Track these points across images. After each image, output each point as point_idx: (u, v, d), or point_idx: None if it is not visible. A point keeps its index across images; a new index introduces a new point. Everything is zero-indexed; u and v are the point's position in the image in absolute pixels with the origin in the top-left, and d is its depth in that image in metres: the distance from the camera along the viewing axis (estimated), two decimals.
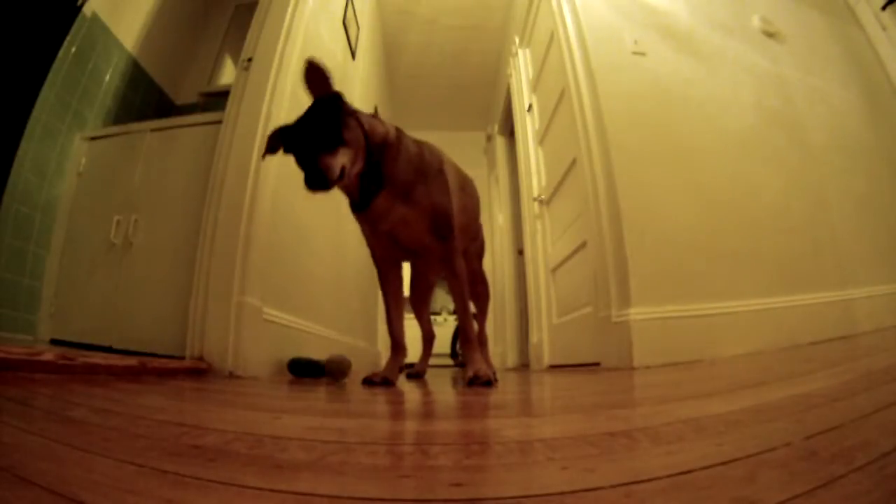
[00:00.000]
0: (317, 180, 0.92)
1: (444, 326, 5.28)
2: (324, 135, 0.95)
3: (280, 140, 1.04)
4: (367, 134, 1.04)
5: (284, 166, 1.65)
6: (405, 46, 3.81)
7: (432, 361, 1.89)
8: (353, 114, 1.04)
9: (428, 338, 1.83)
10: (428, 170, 1.15)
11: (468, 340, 1.16)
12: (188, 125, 1.84)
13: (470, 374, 1.06)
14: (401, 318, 1.32)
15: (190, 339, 1.35)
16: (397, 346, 1.27)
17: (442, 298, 6.03)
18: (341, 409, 0.64)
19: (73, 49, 1.89)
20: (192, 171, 1.69)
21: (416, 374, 1.65)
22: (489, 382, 1.03)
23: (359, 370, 2.22)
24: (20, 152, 1.66)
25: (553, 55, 2.30)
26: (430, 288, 1.75)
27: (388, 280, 1.29)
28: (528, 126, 2.87)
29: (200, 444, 0.33)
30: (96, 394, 0.68)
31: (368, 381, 1.09)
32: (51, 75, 1.75)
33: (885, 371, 0.65)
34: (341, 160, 0.95)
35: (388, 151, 1.08)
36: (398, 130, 1.14)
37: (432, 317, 5.71)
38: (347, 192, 1.08)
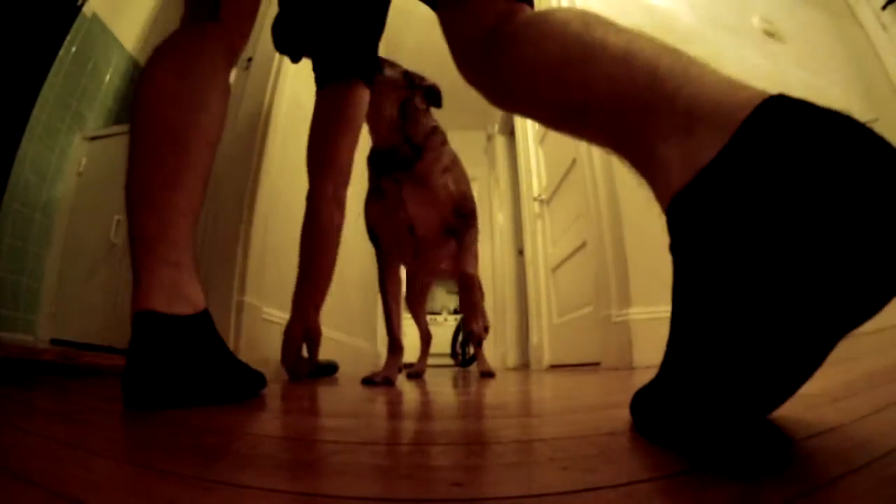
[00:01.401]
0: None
1: (444, 326, 5.27)
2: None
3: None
4: (410, 97, 1.19)
5: (285, 166, 1.65)
6: (404, 46, 3.80)
7: (433, 361, 1.90)
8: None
9: (425, 338, 1.86)
10: (455, 159, 1.28)
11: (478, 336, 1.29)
12: None
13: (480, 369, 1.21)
14: (399, 317, 1.33)
15: None
16: (396, 344, 1.27)
17: (442, 298, 6.03)
18: (342, 409, 0.64)
19: (73, 49, 1.89)
20: None
21: (416, 373, 1.66)
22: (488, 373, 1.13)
23: (358, 370, 2.22)
24: (20, 152, 1.66)
25: None
26: (426, 288, 1.77)
27: (390, 276, 1.30)
28: (528, 125, 2.87)
29: (200, 444, 0.33)
30: (96, 393, 0.68)
31: (369, 381, 1.09)
32: (51, 75, 1.75)
33: (885, 371, 0.65)
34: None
35: (432, 139, 1.21)
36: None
37: (433, 317, 5.73)
38: (386, 148, 1.16)
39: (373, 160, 1.22)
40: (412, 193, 1.18)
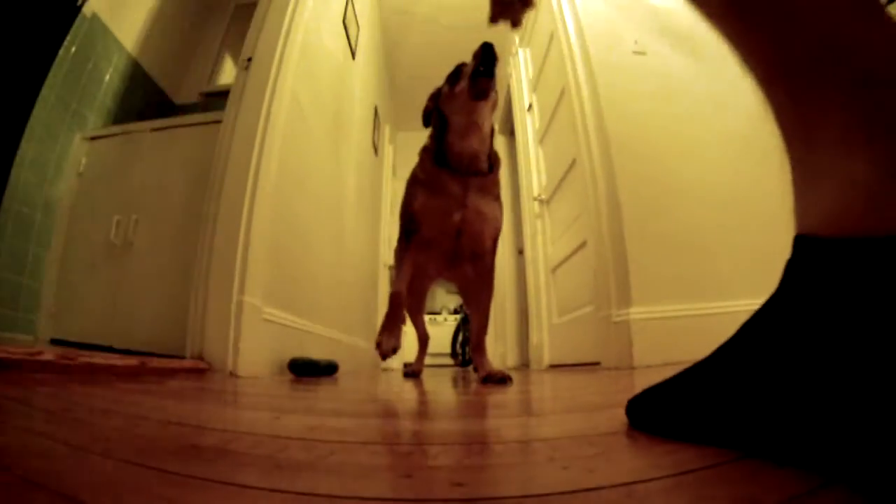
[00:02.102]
0: (491, 65, 1.06)
1: (444, 326, 5.27)
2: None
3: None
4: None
5: (285, 166, 1.65)
6: (405, 46, 3.81)
7: (434, 361, 1.92)
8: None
9: (422, 339, 1.89)
10: (500, 194, 1.32)
11: (480, 349, 1.25)
12: (188, 125, 1.84)
13: (483, 373, 1.14)
14: (406, 286, 1.32)
15: (190, 338, 1.35)
16: (397, 316, 1.23)
17: (442, 298, 6.03)
18: (341, 408, 0.64)
19: (73, 49, 1.89)
20: (192, 171, 1.69)
21: (413, 373, 1.67)
22: (504, 379, 1.08)
23: (358, 370, 2.22)
24: (20, 152, 1.66)
25: (553, 55, 2.29)
26: (426, 291, 1.78)
27: (410, 257, 1.28)
28: (528, 125, 2.87)
29: (200, 444, 0.33)
30: (96, 394, 0.68)
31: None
32: (51, 75, 1.75)
33: None
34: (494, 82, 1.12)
35: (498, 162, 1.27)
36: None
37: (433, 316, 5.73)
38: (469, 153, 1.18)
39: (440, 157, 1.21)
40: (474, 200, 1.19)
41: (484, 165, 1.20)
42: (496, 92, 1.17)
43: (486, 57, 1.06)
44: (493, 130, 1.24)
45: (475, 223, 1.20)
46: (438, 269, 1.45)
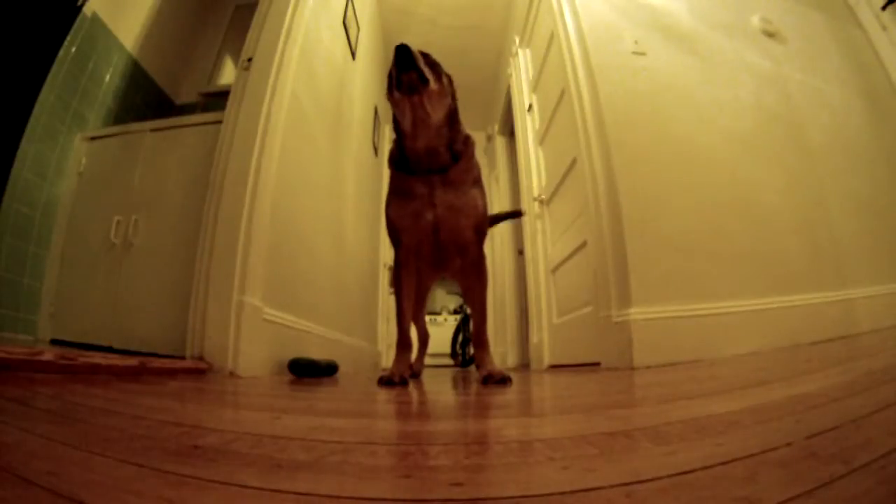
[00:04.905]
0: (406, 61, 1.06)
1: (444, 326, 5.27)
2: (424, 57, 1.13)
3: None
4: (454, 105, 1.20)
5: (285, 166, 1.65)
6: None
7: (434, 361, 1.92)
8: (449, 79, 1.20)
9: (422, 338, 1.89)
10: (481, 173, 1.29)
11: (482, 344, 1.23)
12: (188, 125, 1.84)
13: (484, 373, 1.12)
14: (411, 315, 1.32)
15: (190, 339, 1.35)
16: (405, 342, 1.25)
17: (442, 298, 6.03)
18: (341, 409, 0.64)
19: (73, 49, 1.89)
20: (192, 170, 1.69)
21: (413, 373, 1.67)
22: (504, 380, 1.06)
23: (359, 370, 2.22)
24: (20, 152, 1.66)
25: (553, 55, 2.29)
26: (427, 291, 1.78)
27: (406, 275, 1.28)
28: (528, 126, 2.87)
29: (200, 444, 0.33)
30: (96, 394, 0.68)
31: (388, 382, 1.08)
32: (51, 75, 1.75)
33: (885, 371, 0.65)
34: (427, 71, 1.09)
35: (469, 147, 1.23)
36: None
37: (433, 316, 5.73)
38: (424, 151, 1.16)
39: (400, 161, 1.20)
40: (443, 196, 1.17)
41: (445, 158, 1.17)
42: (438, 81, 1.13)
43: (400, 57, 1.06)
44: (454, 119, 1.19)
45: (449, 219, 1.18)
46: (430, 271, 1.45)
